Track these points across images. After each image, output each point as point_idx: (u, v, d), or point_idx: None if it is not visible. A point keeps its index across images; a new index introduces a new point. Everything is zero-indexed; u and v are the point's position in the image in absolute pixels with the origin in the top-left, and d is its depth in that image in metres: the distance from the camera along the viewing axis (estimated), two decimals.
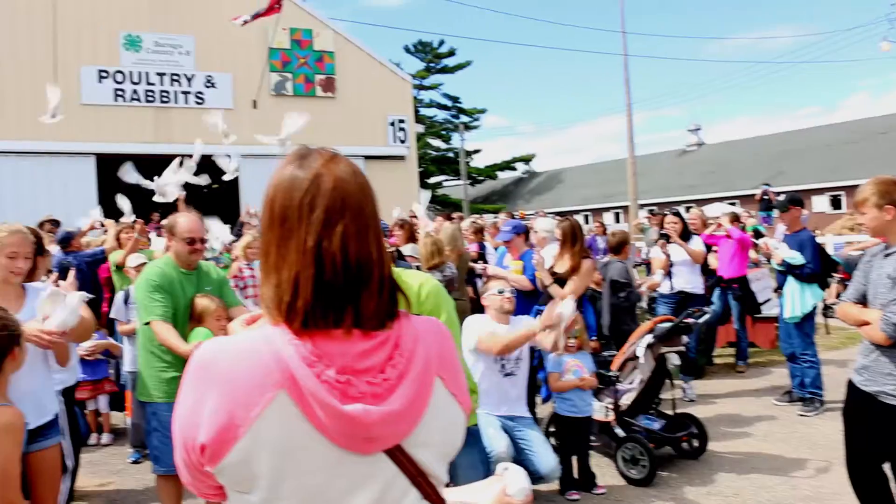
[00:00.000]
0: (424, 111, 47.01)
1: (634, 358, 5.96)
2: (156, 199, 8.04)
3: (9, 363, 2.89)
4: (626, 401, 5.97)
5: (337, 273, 1.23)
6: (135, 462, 6.48)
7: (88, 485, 5.87)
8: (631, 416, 5.94)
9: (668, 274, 8.18)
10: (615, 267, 7.55)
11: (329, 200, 1.25)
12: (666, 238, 8.26)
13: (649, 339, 5.95)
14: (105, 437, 7.15)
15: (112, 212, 10.59)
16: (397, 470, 1.24)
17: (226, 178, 9.64)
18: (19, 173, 16.88)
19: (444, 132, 48.86)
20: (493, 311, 4.93)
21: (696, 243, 8.18)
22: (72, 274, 5.03)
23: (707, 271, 8.77)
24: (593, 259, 7.10)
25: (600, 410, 5.81)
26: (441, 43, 47.45)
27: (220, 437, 1.17)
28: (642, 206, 30.76)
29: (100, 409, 7.19)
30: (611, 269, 7.53)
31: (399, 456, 1.24)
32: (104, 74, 18.52)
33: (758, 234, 10.70)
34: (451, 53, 47.78)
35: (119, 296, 7.02)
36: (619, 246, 7.72)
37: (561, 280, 6.19)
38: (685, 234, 8.14)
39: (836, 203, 36.68)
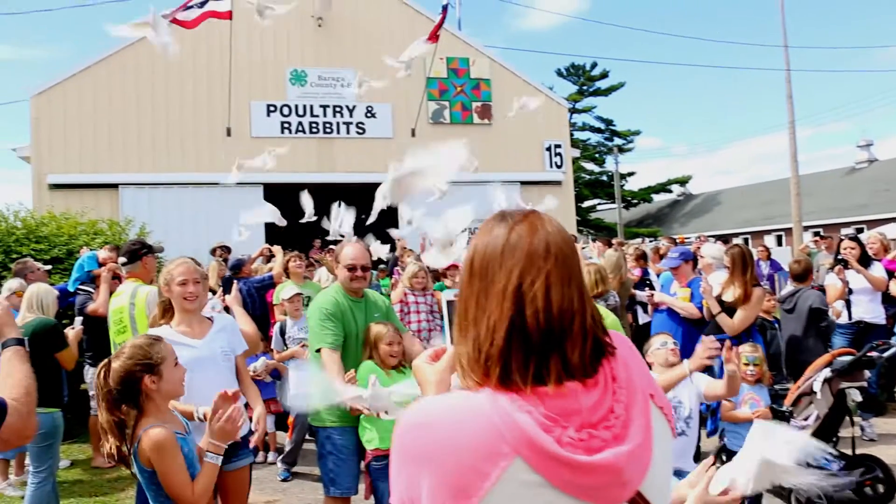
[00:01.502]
0: (577, 134, 46.60)
1: (811, 393, 5.61)
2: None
3: (150, 388, 2.94)
4: None
5: (539, 319, 1.20)
6: (284, 480, 6.79)
7: (257, 501, 6.15)
8: None
9: (847, 303, 7.65)
10: (812, 294, 7.16)
11: (530, 246, 1.24)
12: (843, 264, 7.73)
13: (827, 373, 5.58)
14: (271, 456, 7.47)
15: (277, 238, 11.13)
16: None
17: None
18: (196, 203, 18.02)
19: (597, 155, 48.22)
20: (659, 366, 4.56)
21: (877, 269, 7.62)
22: (235, 287, 5.34)
23: (889, 300, 8.16)
24: (763, 286, 6.78)
25: None
26: (594, 65, 46.99)
27: None
28: (807, 227, 29.21)
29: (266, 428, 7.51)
30: (808, 298, 7.12)
31: (640, 502, 1.19)
32: (272, 108, 19.54)
33: None
34: (604, 75, 47.20)
35: (276, 326, 7.44)
36: (805, 273, 7.32)
37: (730, 309, 5.94)
38: (864, 260, 7.61)
39: None
